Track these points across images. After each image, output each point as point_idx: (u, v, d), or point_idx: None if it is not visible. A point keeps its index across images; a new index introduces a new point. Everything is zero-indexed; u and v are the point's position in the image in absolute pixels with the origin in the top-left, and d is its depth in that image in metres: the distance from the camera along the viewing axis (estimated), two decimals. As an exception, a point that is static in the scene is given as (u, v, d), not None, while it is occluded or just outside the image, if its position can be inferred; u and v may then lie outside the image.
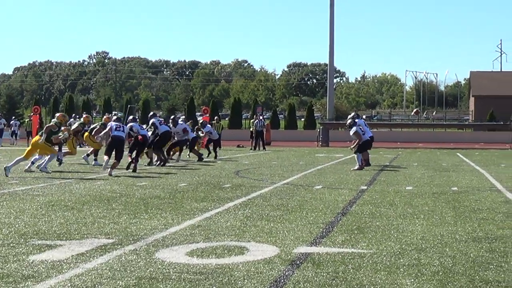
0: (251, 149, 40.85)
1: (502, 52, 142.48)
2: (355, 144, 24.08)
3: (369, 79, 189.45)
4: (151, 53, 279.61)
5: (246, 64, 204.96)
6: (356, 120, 24.74)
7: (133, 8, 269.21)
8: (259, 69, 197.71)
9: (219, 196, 14.74)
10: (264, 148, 40.79)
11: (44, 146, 20.64)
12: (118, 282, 6.88)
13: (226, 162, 26.88)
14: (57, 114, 22.67)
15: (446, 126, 70.47)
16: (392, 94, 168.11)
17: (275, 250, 8.51)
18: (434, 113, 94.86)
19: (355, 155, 24.46)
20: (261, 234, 9.76)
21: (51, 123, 21.57)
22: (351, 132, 24.48)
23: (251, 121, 45.71)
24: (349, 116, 25.85)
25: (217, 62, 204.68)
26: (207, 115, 49.73)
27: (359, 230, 10.10)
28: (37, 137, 21.34)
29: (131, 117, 24.37)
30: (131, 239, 9.28)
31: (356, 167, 23.71)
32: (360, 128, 24.35)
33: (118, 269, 7.43)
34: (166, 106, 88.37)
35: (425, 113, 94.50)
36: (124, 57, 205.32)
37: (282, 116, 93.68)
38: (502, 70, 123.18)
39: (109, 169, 20.34)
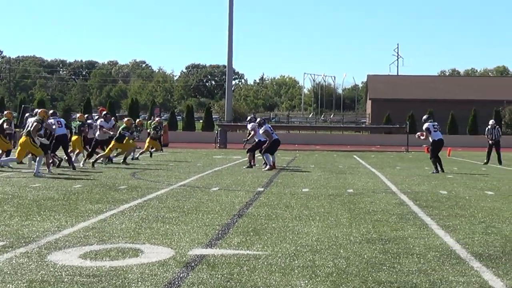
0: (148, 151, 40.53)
1: (399, 56, 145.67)
2: (267, 144, 24.59)
3: (268, 81, 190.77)
4: (46, 52, 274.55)
5: (144, 65, 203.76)
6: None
7: (28, 6, 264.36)
8: (157, 70, 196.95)
9: (114, 198, 14.61)
10: (161, 150, 40.58)
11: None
12: (8, 285, 6.75)
13: (122, 164, 26.64)
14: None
15: (343, 128, 71.67)
16: (291, 97, 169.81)
17: (170, 252, 8.49)
18: (331, 115, 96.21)
19: (264, 156, 24.67)
20: (156, 236, 9.73)
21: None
22: (261, 131, 24.82)
23: (149, 122, 45.38)
24: (258, 120, 26.25)
25: (114, 62, 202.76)
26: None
27: (255, 232, 10.17)
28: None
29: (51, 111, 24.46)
30: (22, 241, 9.12)
31: (267, 168, 24.03)
32: (270, 128, 25.09)
33: (8, 272, 7.30)
34: (62, 106, 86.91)
35: (322, 115, 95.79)
36: (18, 56, 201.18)
37: (180, 117, 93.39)
38: (399, 74, 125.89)
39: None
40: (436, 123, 25.18)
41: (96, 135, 26.89)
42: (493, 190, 17.67)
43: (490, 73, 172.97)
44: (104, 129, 26.90)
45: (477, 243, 9.62)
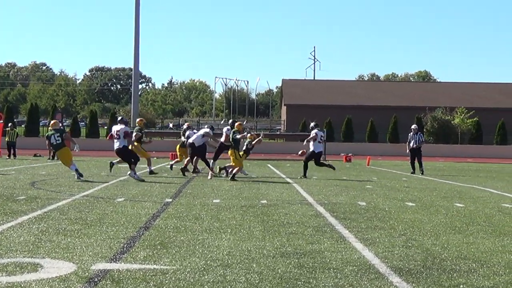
0: (49, 158, 40.06)
1: (316, 60, 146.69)
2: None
3: (177, 85, 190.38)
4: None
5: (44, 67, 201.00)
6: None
7: None
8: (58, 73, 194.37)
9: (12, 209, 14.37)
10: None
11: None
12: None
13: (21, 172, 26.19)
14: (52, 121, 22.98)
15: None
16: (201, 102, 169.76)
17: (72, 267, 8.40)
18: (245, 122, 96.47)
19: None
20: (57, 249, 9.61)
21: None
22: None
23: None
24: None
25: (12, 64, 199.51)
26: (1, 121, 47.78)
27: (162, 245, 10.13)
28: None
29: None
30: None
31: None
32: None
33: None
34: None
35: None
36: None
37: (83, 123, 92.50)
38: (316, 78, 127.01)
39: None
40: (322, 135, 27.71)
41: None
42: (414, 201, 17.95)
43: (411, 78, 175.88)
44: None
45: (397, 256, 9.76)
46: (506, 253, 10.30)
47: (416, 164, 31.84)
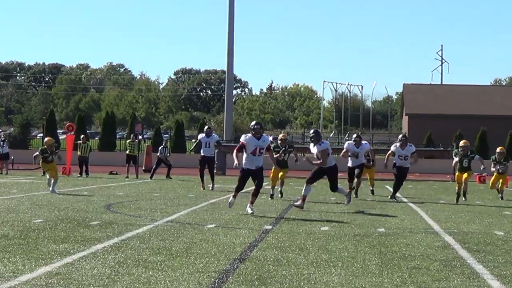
0: (126, 177, 40.64)
1: (443, 61, 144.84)
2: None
3: (278, 91, 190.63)
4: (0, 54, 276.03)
5: (122, 70, 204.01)
6: None
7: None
8: (138, 76, 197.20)
9: (84, 236, 14.63)
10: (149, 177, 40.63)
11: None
12: None
13: (94, 193, 26.66)
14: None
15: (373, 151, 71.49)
16: (307, 111, 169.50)
17: (154, 306, 8.51)
18: (359, 133, 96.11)
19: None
20: (137, 284, 9.75)
21: None
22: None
23: (128, 141, 45.47)
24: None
25: (85, 66, 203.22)
26: (72, 133, 48.77)
27: (260, 281, 10.19)
28: None
29: None
30: (-32, 290, 9.15)
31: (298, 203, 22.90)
32: None
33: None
34: (19, 120, 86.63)
35: (347, 134, 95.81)
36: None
37: (167, 135, 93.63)
38: (443, 82, 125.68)
39: None
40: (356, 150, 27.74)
41: None
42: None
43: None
44: None
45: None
46: None
47: None
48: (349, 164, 27.84)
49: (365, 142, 28.66)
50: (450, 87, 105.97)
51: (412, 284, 10.32)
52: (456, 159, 27.42)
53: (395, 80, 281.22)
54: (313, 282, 10.22)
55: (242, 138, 20.93)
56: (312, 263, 11.94)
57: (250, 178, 20.85)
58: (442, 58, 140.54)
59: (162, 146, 42.84)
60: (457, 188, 27.23)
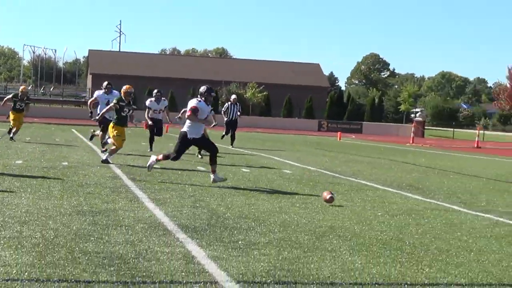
0: None
1: (122, 33, 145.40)
2: None
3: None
4: None
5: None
6: None
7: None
8: None
9: None
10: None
11: None
12: None
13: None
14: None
15: (63, 102, 70.45)
16: (10, 68, 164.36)
17: None
18: (51, 89, 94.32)
19: None
20: None
21: None
22: None
23: None
24: None
25: None
26: None
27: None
28: None
29: None
30: None
31: None
32: None
33: None
34: None
35: (42, 88, 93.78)
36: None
37: None
38: (121, 50, 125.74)
39: None
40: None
41: None
42: (205, 166, 18.16)
43: (209, 54, 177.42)
44: None
45: (185, 215, 9.92)
46: (282, 213, 10.67)
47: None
48: None
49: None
50: (126, 54, 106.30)
51: (86, 205, 10.30)
52: None
53: (83, 46, 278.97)
54: (6, 204, 9.96)
55: None
56: (7, 189, 11.63)
57: None
58: (121, 31, 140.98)
59: None
60: None
